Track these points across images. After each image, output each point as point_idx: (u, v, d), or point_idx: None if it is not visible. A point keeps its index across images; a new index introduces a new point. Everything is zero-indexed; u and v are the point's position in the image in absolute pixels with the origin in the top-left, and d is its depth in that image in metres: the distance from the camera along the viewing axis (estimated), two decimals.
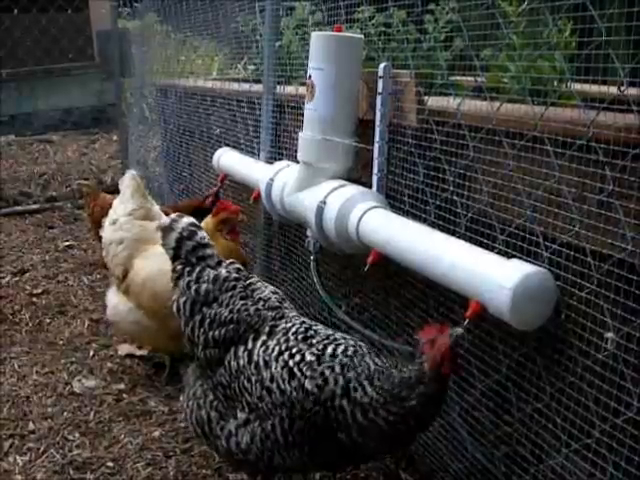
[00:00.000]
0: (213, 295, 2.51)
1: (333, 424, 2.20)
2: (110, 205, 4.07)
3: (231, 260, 2.66)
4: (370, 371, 2.19)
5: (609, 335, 1.86)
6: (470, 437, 2.55)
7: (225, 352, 2.46)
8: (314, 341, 2.33)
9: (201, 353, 2.50)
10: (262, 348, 2.38)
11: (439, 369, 2.08)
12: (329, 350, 2.28)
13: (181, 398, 2.71)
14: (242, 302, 2.49)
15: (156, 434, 3.30)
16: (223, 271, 2.56)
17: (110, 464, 3.08)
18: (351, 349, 2.28)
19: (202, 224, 3.65)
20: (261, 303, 2.50)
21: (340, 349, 2.28)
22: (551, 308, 2.02)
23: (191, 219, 2.66)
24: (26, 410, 3.53)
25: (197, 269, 2.56)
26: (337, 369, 2.22)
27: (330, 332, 2.41)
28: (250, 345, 2.42)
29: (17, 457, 3.14)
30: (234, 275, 2.55)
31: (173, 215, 2.69)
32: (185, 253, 2.59)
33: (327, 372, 2.22)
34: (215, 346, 2.47)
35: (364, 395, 2.16)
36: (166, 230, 2.63)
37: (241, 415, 2.38)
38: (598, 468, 1.94)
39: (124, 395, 3.66)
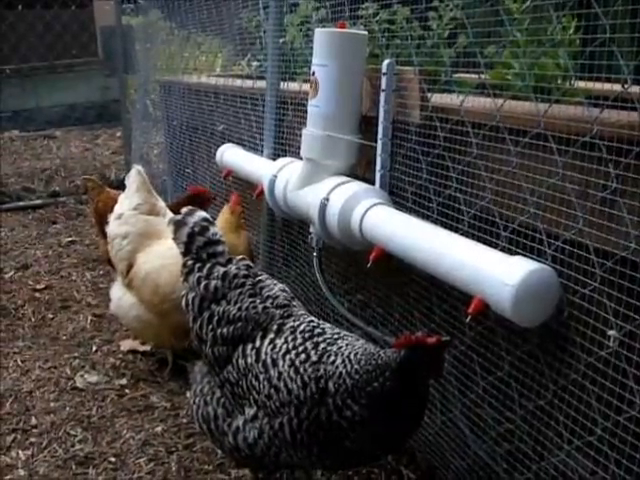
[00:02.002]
0: (222, 292, 2.51)
1: (335, 426, 2.21)
2: (113, 200, 4.07)
3: (242, 257, 2.65)
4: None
5: (612, 333, 1.86)
6: (472, 434, 2.56)
7: (233, 350, 2.45)
8: (320, 340, 2.34)
9: (209, 350, 2.50)
10: (270, 346, 2.38)
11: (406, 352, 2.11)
12: (331, 350, 2.29)
13: (187, 394, 2.71)
14: (250, 300, 2.48)
15: (158, 430, 3.31)
16: (233, 268, 2.55)
17: (112, 459, 3.09)
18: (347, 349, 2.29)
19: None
20: (270, 301, 2.49)
21: (342, 349, 2.28)
22: (554, 305, 2.02)
23: (204, 214, 2.65)
24: (29, 405, 3.54)
25: (208, 265, 2.56)
26: (334, 370, 2.22)
27: (337, 331, 2.41)
28: (258, 343, 2.41)
29: (20, 452, 3.15)
30: (243, 272, 2.55)
31: (185, 209, 2.67)
32: (196, 249, 2.58)
33: (328, 373, 2.22)
34: (223, 344, 2.46)
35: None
36: (178, 225, 2.62)
37: (249, 411, 2.38)
38: (600, 466, 1.94)
39: (126, 390, 3.67)
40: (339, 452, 2.27)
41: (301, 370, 2.26)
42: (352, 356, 2.23)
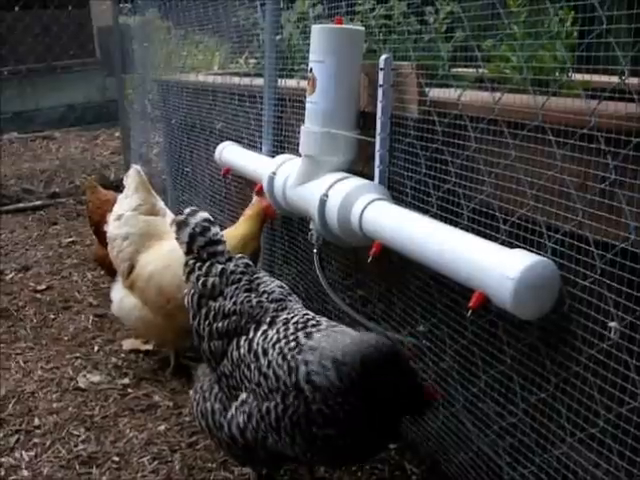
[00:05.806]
0: (219, 289, 2.55)
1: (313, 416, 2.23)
2: (102, 201, 4.06)
3: (241, 255, 2.68)
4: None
5: (613, 324, 1.86)
6: (475, 428, 2.56)
7: (228, 343, 2.50)
8: (313, 330, 2.35)
9: (206, 345, 2.55)
10: (262, 337, 2.42)
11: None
12: (316, 338, 2.31)
13: (190, 393, 2.74)
14: (246, 295, 2.53)
15: (161, 428, 3.31)
16: (231, 265, 2.59)
17: (116, 459, 3.09)
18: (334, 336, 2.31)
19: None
20: (265, 296, 2.53)
21: (324, 336, 2.31)
22: (554, 298, 2.02)
23: (206, 214, 2.67)
24: (31, 406, 3.54)
25: (207, 264, 2.60)
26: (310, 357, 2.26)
27: (334, 323, 2.43)
28: (251, 335, 2.45)
29: (23, 452, 3.15)
30: (241, 269, 2.59)
31: (188, 209, 2.70)
32: (197, 248, 2.62)
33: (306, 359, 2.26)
34: (219, 338, 2.51)
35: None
36: (180, 225, 2.66)
37: (241, 397, 2.42)
38: (603, 457, 1.94)
39: (129, 390, 3.68)
40: (323, 445, 2.27)
41: (289, 357, 2.29)
42: (338, 332, 2.32)
